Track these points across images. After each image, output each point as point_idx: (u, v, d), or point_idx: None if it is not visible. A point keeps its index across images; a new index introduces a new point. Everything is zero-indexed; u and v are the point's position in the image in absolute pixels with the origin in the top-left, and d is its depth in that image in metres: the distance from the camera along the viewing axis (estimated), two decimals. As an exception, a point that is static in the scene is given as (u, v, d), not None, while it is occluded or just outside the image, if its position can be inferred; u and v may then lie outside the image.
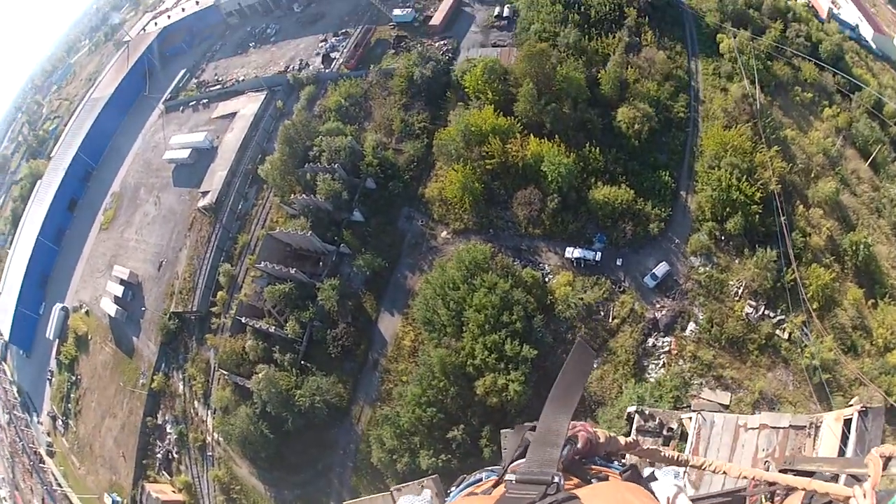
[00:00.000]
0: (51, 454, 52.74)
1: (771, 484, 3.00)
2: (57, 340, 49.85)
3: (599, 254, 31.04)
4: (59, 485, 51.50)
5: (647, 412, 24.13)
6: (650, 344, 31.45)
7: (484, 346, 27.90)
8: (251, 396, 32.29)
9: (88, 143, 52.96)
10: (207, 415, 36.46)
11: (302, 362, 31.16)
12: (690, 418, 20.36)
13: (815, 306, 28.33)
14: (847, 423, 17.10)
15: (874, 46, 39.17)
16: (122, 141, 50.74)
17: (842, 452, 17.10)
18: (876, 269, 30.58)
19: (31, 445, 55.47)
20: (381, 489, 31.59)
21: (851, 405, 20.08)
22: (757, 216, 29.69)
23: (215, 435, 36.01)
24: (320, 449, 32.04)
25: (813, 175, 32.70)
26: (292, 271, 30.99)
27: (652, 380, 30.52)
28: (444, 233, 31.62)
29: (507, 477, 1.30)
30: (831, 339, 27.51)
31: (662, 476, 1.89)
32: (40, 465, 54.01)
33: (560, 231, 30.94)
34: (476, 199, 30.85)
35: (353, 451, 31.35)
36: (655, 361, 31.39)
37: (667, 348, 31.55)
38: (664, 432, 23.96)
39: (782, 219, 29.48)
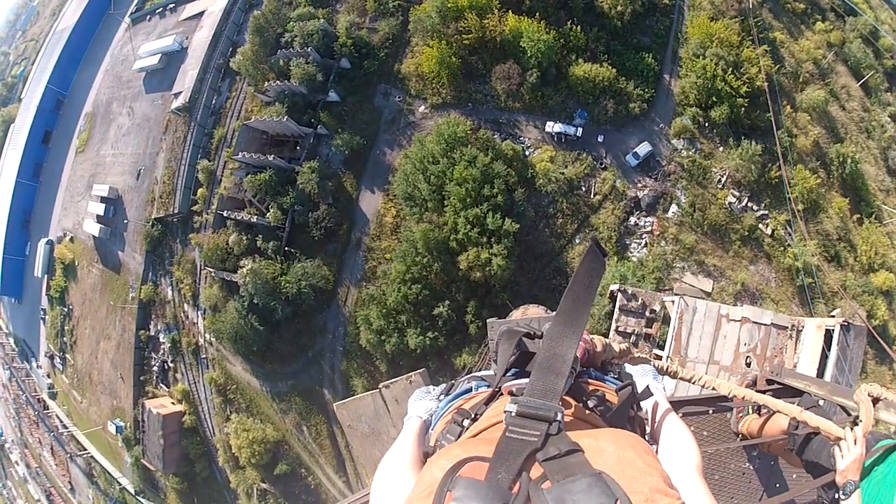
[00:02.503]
0: (53, 396, 53.26)
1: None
2: (46, 276, 49.58)
3: (580, 129, 30.73)
4: (65, 426, 52.33)
5: (629, 291, 24.34)
6: (632, 223, 31.55)
7: (466, 219, 27.85)
8: (239, 291, 32.47)
9: (57, 73, 51.11)
10: (198, 316, 36.81)
11: (286, 249, 31.22)
12: (673, 302, 20.30)
13: (799, 208, 27.77)
14: (828, 333, 17.16)
15: (874, -17, 37.35)
16: (90, 63, 48.99)
17: (823, 362, 17.32)
18: (862, 186, 30.17)
19: (33, 394, 55.94)
20: (371, 371, 32.35)
21: (833, 316, 20.31)
22: (742, 109, 29.01)
23: (207, 336, 36.47)
24: (310, 336, 32.55)
25: (801, 80, 31.88)
26: (270, 158, 30.58)
27: (634, 259, 30.80)
28: (422, 108, 31.11)
29: (507, 407, 1.15)
30: (815, 245, 27.33)
31: (640, 377, 1.79)
32: (45, 412, 54.67)
33: (540, 105, 30.52)
34: (453, 73, 30.22)
35: (341, 334, 31.86)
36: (637, 241, 31.59)
37: (649, 228, 31.67)
38: (647, 314, 24.28)
39: (768, 115, 28.81)
